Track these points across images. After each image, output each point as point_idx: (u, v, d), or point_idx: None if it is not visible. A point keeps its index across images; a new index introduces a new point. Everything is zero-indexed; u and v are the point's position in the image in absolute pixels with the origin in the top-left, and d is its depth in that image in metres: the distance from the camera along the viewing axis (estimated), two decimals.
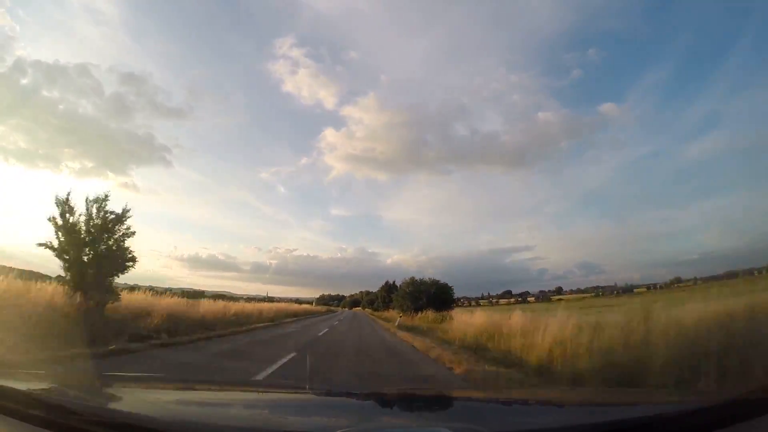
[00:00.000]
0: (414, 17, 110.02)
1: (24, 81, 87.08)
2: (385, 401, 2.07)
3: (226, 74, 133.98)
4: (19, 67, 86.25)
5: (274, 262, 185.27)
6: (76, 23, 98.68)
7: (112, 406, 1.44)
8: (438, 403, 2.13)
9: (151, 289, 16.87)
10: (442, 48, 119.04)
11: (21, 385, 1.41)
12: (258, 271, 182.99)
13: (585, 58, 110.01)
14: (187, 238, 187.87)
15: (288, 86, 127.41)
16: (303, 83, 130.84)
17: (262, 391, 2.42)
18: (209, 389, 2.30)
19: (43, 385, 1.57)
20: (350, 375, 7.05)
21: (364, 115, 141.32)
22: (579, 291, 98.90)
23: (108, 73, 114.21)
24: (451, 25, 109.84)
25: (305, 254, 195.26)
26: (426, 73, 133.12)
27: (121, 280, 11.03)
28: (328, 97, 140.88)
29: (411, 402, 2.10)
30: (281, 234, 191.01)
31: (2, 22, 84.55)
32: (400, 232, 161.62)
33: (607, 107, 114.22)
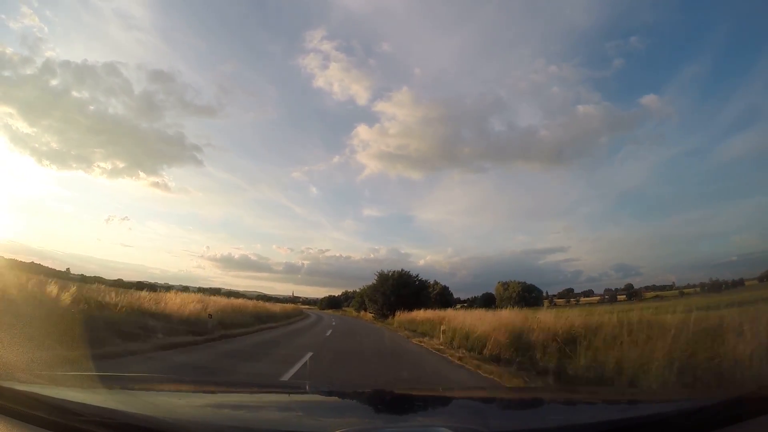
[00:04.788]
0: (448, 7, 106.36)
1: (54, 82, 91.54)
2: (384, 401, 2.08)
3: (256, 69, 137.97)
4: (49, 68, 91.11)
5: (306, 262, 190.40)
6: (102, 20, 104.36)
7: (114, 406, 1.42)
8: (438, 402, 2.11)
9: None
10: (478, 38, 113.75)
11: (22, 386, 1.44)
12: (290, 271, 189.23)
13: (627, 46, 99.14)
14: (219, 237, 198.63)
15: (319, 81, 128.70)
16: (334, 78, 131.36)
17: (263, 392, 2.45)
18: (210, 389, 2.31)
19: (45, 386, 1.63)
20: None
21: (398, 111, 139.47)
22: (653, 288, 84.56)
23: (136, 71, 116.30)
24: (487, 14, 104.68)
25: (337, 255, 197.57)
26: (461, 66, 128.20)
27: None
28: (360, 92, 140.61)
29: (411, 402, 2.10)
30: (313, 234, 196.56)
31: (30, 23, 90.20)
32: (433, 233, 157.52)
33: (649, 99, 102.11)
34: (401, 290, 32.07)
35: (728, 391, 2.57)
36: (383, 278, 34.56)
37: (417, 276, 35.76)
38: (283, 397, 2.15)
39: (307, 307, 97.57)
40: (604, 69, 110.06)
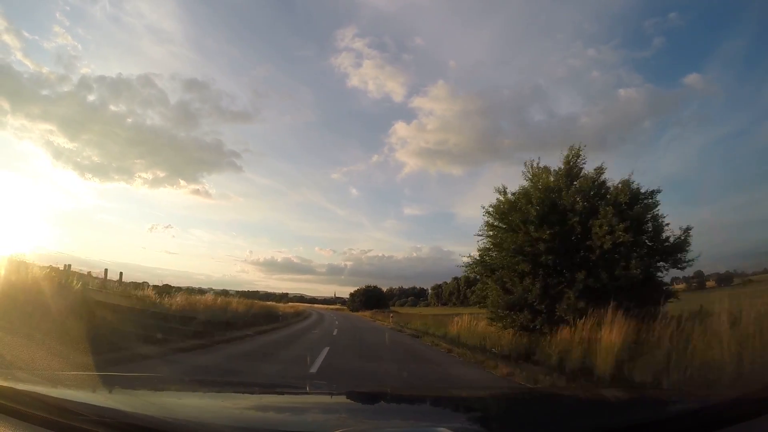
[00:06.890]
0: None
1: (91, 97, 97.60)
2: (384, 401, 2.12)
3: (289, 72, 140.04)
4: (85, 84, 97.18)
5: (349, 263, 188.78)
6: (134, 36, 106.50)
7: (115, 406, 1.41)
8: (438, 403, 2.10)
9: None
10: (512, 26, 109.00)
11: (23, 386, 1.43)
12: (333, 272, 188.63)
13: (667, 23, 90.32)
14: (262, 242, 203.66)
15: (354, 80, 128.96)
16: (369, 76, 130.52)
17: (263, 392, 2.48)
18: (211, 389, 2.35)
19: (46, 386, 1.62)
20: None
21: (435, 106, 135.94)
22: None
23: (171, 81, 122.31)
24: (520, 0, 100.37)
25: (380, 255, 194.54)
26: (497, 55, 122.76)
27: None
28: (395, 89, 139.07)
29: (411, 402, 2.11)
30: (355, 235, 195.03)
31: (63, 42, 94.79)
32: (476, 229, 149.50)
33: (692, 78, 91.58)
34: None
35: (729, 391, 2.51)
36: None
37: None
38: (283, 398, 2.18)
39: (337, 307, 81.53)
40: (644, 49, 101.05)
